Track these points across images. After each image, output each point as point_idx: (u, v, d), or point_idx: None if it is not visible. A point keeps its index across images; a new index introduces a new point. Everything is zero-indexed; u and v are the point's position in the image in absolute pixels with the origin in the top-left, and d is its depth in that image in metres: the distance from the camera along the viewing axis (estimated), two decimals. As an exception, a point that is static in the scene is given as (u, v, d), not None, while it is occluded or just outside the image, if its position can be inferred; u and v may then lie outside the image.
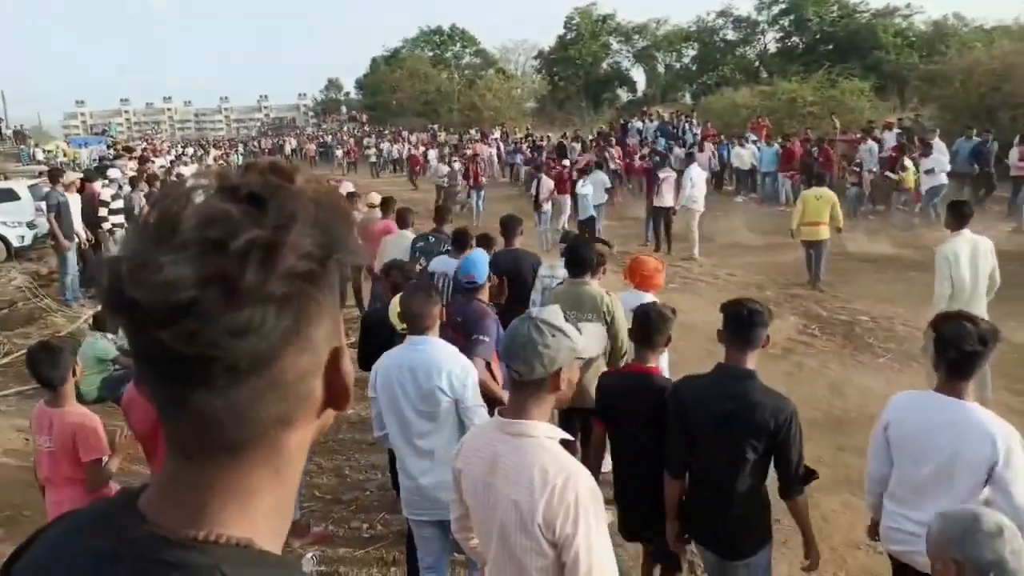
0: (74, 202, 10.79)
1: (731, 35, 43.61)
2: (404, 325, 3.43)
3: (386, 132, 42.74)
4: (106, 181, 13.16)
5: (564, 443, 1.99)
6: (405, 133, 38.82)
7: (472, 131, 35.77)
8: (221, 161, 33.80)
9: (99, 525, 0.71)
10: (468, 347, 4.04)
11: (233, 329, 0.58)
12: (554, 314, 1.97)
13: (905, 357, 7.41)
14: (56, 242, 10.40)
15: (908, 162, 14.32)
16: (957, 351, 2.59)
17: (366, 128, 48.74)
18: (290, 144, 43.82)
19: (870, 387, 6.55)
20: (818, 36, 38.96)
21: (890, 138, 16.73)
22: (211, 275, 0.57)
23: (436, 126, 41.29)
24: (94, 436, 3.31)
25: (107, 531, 0.69)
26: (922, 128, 17.99)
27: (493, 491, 1.95)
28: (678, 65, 46.48)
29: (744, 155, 18.75)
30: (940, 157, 13.64)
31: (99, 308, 8.85)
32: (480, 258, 4.72)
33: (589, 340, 2.01)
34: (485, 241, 6.00)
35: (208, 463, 0.66)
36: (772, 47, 42.35)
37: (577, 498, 1.80)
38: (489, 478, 1.97)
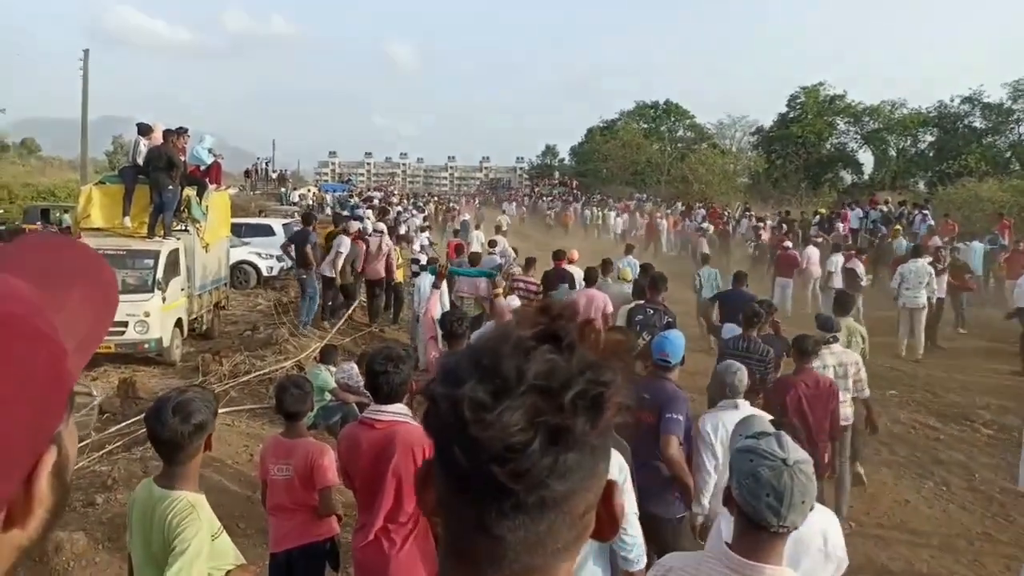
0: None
1: (978, 123, 39.61)
2: None
3: (595, 197, 43.64)
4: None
5: None
6: (611, 200, 39.44)
7: (678, 204, 35.47)
8: (440, 210, 36.81)
9: None
10: (660, 425, 4.13)
11: (558, 471, 0.64)
12: (799, 449, 1.81)
13: None
14: (306, 274, 11.76)
15: None
16: None
17: (576, 193, 50.12)
18: (506, 216, 45.60)
19: None
20: (1090, 128, 34.26)
21: None
22: (545, 422, 0.64)
23: (644, 195, 41.49)
24: (329, 465, 3.58)
25: None
26: None
27: None
28: (913, 150, 42.85)
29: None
30: None
31: (325, 342, 9.81)
32: (679, 339, 4.66)
33: None
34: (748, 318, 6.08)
35: None
36: (1029, 138, 37.78)
37: None
38: None
